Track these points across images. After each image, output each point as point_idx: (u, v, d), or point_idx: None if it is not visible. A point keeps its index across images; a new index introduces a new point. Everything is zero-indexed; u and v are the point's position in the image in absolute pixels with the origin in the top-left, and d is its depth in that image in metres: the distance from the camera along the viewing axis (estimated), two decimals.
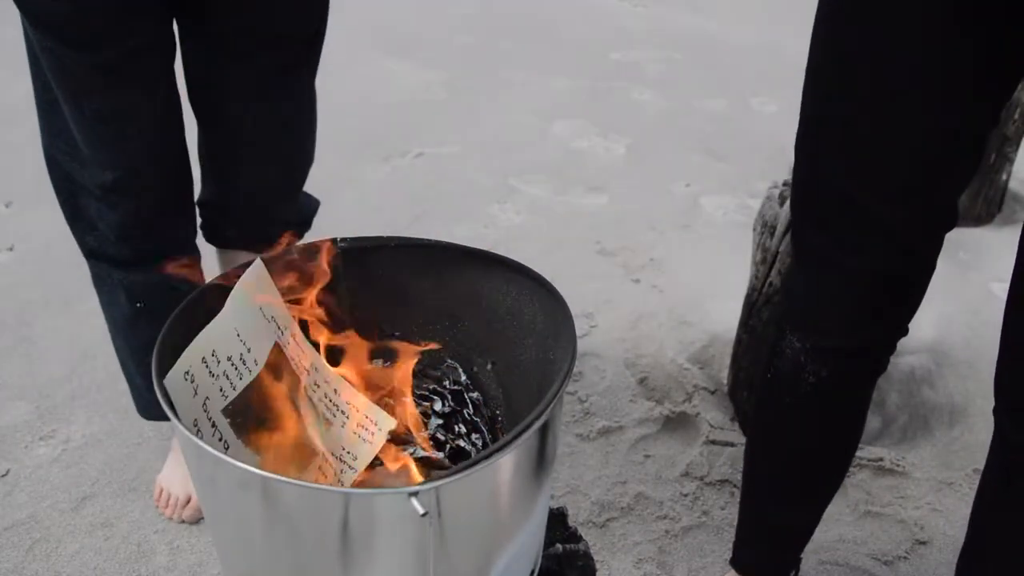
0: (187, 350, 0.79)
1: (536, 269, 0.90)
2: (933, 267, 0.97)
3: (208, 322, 0.81)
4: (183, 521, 1.44)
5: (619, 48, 3.73)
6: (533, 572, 0.88)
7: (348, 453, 0.81)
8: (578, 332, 0.86)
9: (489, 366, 0.98)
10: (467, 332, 0.98)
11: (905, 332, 1.02)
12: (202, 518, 1.44)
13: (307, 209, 1.46)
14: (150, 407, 1.40)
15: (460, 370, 0.99)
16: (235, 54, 1.18)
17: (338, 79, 3.28)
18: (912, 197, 0.89)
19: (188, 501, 1.45)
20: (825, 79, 0.89)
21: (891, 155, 0.87)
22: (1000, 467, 1.01)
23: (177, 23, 1.17)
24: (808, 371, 1.02)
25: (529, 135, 2.91)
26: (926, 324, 1.90)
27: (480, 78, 3.36)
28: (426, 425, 0.94)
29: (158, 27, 1.12)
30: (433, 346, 0.93)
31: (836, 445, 1.13)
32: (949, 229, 0.94)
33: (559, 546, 0.97)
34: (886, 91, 0.84)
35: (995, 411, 1.00)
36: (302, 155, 1.36)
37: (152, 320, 1.20)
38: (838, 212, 0.92)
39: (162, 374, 0.76)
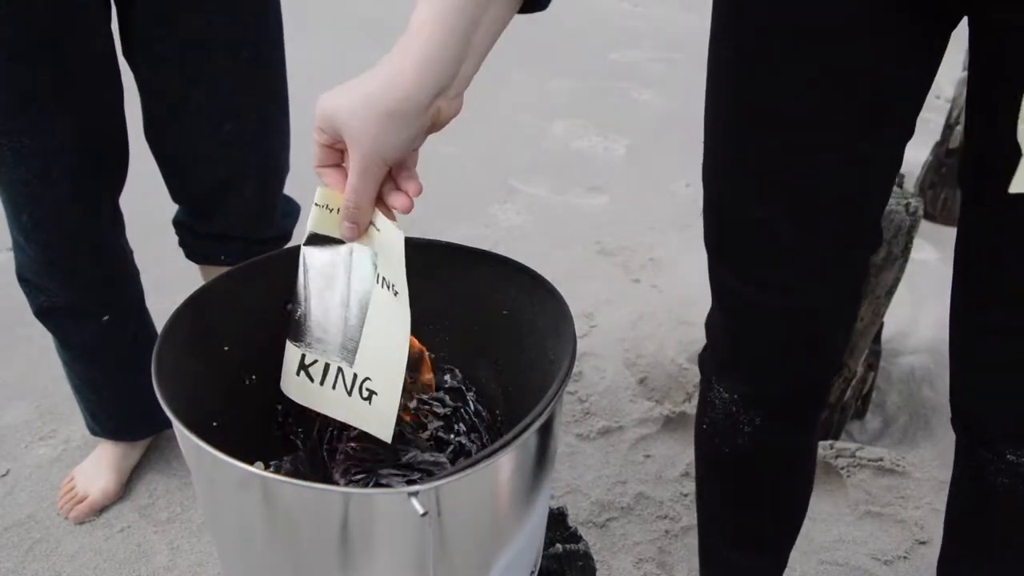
0: None
1: (536, 269, 0.90)
2: (859, 296, 0.89)
3: (208, 323, 0.81)
4: (68, 518, 1.44)
5: (619, 48, 3.73)
6: (533, 572, 0.88)
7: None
8: (578, 332, 0.86)
9: (489, 366, 0.97)
10: (467, 332, 0.97)
11: (839, 368, 0.95)
12: (86, 521, 1.44)
13: (287, 220, 1.41)
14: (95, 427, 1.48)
15: (460, 370, 0.99)
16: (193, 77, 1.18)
17: (338, 79, 3.28)
18: (833, 219, 0.82)
19: (83, 500, 1.44)
20: (726, 98, 0.81)
21: (806, 176, 0.79)
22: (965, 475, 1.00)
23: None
24: (742, 421, 0.97)
25: (529, 135, 2.91)
26: (926, 324, 1.89)
27: (480, 78, 3.34)
28: (426, 426, 0.94)
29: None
30: None
31: (781, 496, 1.08)
32: (873, 252, 0.88)
33: (559, 546, 0.97)
34: (792, 107, 0.76)
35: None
36: (276, 167, 1.33)
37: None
38: (755, 245, 0.85)
39: (162, 379, 0.75)
